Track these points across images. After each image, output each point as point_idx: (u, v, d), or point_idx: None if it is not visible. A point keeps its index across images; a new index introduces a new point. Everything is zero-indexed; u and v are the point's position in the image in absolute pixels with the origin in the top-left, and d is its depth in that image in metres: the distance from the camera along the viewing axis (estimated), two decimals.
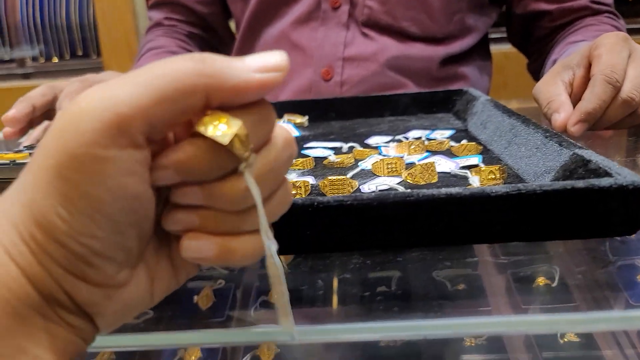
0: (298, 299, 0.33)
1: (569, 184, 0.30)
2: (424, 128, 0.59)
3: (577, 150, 0.36)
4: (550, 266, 0.45)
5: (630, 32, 0.62)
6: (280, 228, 0.27)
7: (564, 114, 0.51)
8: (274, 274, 0.24)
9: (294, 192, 0.39)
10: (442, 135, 0.54)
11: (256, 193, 0.22)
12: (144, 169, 0.21)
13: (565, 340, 0.54)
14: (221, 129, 0.21)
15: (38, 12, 1.63)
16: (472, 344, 0.54)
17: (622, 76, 0.50)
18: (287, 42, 0.80)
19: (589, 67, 0.53)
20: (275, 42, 0.81)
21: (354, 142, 0.54)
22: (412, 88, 0.78)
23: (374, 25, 0.78)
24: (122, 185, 0.20)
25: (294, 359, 0.53)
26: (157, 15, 0.91)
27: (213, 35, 0.94)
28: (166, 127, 0.21)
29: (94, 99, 0.20)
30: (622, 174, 0.31)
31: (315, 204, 0.30)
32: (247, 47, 0.85)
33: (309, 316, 0.40)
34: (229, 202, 0.22)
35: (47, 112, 0.64)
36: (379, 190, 0.39)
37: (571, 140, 0.38)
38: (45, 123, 0.65)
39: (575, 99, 0.53)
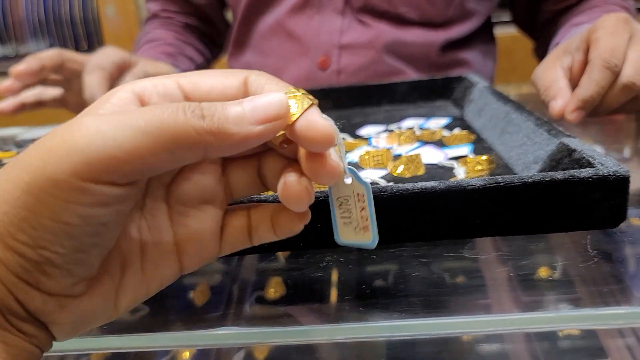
0: (294, 297, 0.33)
1: (548, 175, 0.29)
2: (421, 117, 0.58)
3: (564, 139, 0.35)
4: (552, 259, 0.44)
5: None
6: None
7: (561, 101, 0.50)
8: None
9: None
10: (436, 124, 0.53)
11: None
12: (121, 204, 0.21)
13: (565, 332, 0.52)
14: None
15: (42, 7, 1.64)
16: (470, 337, 0.53)
17: (622, 60, 0.49)
18: (283, 31, 0.79)
19: (588, 51, 0.51)
20: (270, 31, 0.80)
21: (348, 132, 0.53)
22: (411, 75, 0.77)
23: (370, 11, 0.76)
24: (94, 214, 0.20)
25: (287, 355, 0.53)
26: (154, 7, 0.91)
27: (209, 26, 0.94)
28: (155, 174, 0.21)
29: (91, 133, 0.19)
30: (605, 164, 0.30)
31: None
32: (244, 37, 0.84)
33: (305, 315, 0.39)
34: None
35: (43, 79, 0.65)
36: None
37: (560, 129, 0.37)
38: (39, 89, 0.66)
39: (575, 85, 0.51)
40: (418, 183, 0.29)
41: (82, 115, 0.21)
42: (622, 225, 0.30)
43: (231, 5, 0.86)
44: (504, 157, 0.41)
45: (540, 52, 0.83)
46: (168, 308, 0.41)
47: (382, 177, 0.39)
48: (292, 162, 0.23)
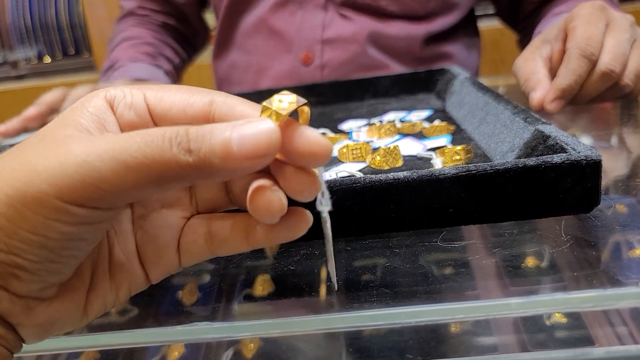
0: (284, 289, 0.33)
1: (520, 162, 0.28)
2: (403, 110, 0.57)
3: (539, 126, 0.35)
4: (540, 246, 0.44)
5: None
6: None
7: (540, 91, 0.50)
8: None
9: None
10: (418, 116, 0.53)
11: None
12: (102, 224, 0.20)
13: (552, 321, 0.53)
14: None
15: (28, 13, 1.63)
16: (458, 329, 0.53)
17: (598, 48, 0.49)
18: (266, 28, 0.79)
19: (566, 39, 0.51)
20: (254, 29, 0.80)
21: (331, 127, 0.53)
22: (394, 69, 0.77)
23: (352, 5, 0.76)
24: (74, 231, 0.20)
25: (275, 352, 0.53)
26: (129, 4, 0.90)
27: (186, 26, 0.93)
28: (139, 200, 0.21)
29: (78, 162, 0.19)
30: (577, 149, 0.29)
31: None
32: (227, 36, 0.84)
33: (296, 307, 0.39)
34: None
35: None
36: (340, 178, 0.38)
37: (536, 116, 0.37)
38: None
39: (555, 74, 0.51)
40: (391, 174, 0.29)
41: (63, 129, 0.21)
42: (599, 210, 0.30)
43: (213, 5, 0.86)
44: (482, 147, 0.41)
45: (524, 43, 0.83)
46: (158, 305, 0.40)
47: (360, 170, 0.39)
48: (262, 174, 0.22)
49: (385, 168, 0.39)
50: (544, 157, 0.29)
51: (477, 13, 0.89)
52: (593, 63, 0.49)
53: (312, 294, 0.37)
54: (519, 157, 0.35)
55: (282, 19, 0.78)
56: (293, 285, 0.33)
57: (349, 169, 0.38)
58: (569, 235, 0.29)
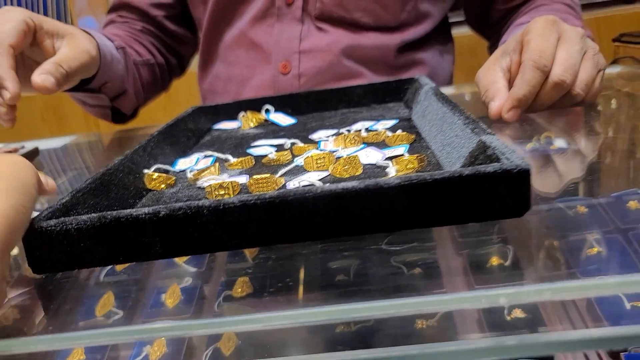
0: (262, 289, 0.36)
1: (457, 171, 0.31)
2: (372, 119, 0.60)
3: (483, 137, 0.38)
4: (504, 246, 0.47)
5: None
6: (186, 229, 0.30)
7: (498, 101, 0.53)
8: None
9: (222, 192, 0.41)
10: (384, 125, 0.56)
11: None
12: None
13: (512, 317, 0.56)
14: None
15: None
16: (424, 326, 0.56)
17: (551, 60, 0.52)
18: (247, 41, 0.82)
19: (522, 52, 0.55)
20: (235, 42, 0.83)
21: (303, 137, 0.56)
22: (368, 77, 0.80)
23: (327, 18, 0.79)
24: None
25: (253, 350, 0.55)
26: (110, 16, 0.92)
27: (169, 37, 0.93)
28: None
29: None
30: (511, 158, 0.32)
31: (222, 205, 0.32)
32: (210, 49, 0.87)
33: (269, 304, 0.42)
34: None
35: None
36: (302, 186, 0.41)
37: (483, 127, 0.40)
38: None
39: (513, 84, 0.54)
40: (341, 183, 0.32)
41: None
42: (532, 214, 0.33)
43: (197, 19, 0.89)
44: (437, 155, 0.44)
45: (493, 50, 0.86)
46: (142, 307, 0.43)
47: (322, 179, 0.42)
48: None
49: (346, 176, 0.42)
50: (479, 166, 0.32)
51: (456, 20, 0.92)
52: (546, 74, 0.52)
53: (289, 293, 0.40)
54: (464, 165, 0.38)
55: (262, 32, 0.81)
56: (270, 286, 0.36)
57: (311, 178, 0.41)
58: (500, 236, 0.32)
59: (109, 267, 0.42)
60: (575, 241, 0.34)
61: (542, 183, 0.41)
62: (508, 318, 0.59)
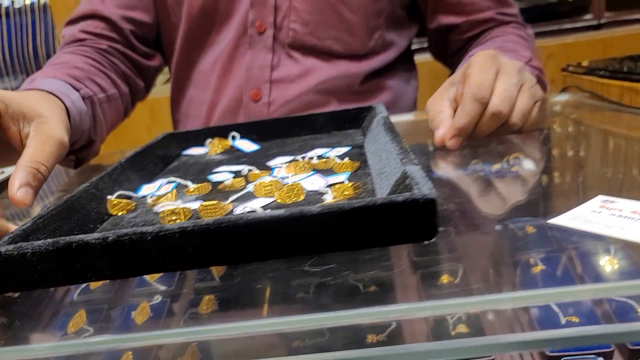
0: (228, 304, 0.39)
1: (371, 200, 0.35)
2: (329, 146, 0.64)
3: (406, 167, 0.42)
4: (455, 265, 0.51)
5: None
6: (132, 253, 0.34)
7: (442, 130, 0.58)
8: None
9: (174, 218, 0.45)
10: (337, 153, 0.60)
11: None
12: None
13: (456, 331, 0.59)
14: None
15: (7, 46, 1.71)
16: (374, 340, 0.60)
17: (489, 92, 0.56)
18: (219, 67, 0.86)
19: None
20: (209, 68, 0.87)
21: (261, 164, 0.60)
22: (335, 106, 0.84)
23: (299, 47, 0.84)
24: None
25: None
26: (70, 29, 0.86)
27: (137, 52, 0.90)
28: None
29: None
30: (422, 189, 0.36)
31: (163, 231, 0.36)
32: (184, 75, 0.91)
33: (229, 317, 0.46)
34: None
35: None
36: (246, 213, 0.44)
37: (411, 157, 0.44)
38: None
39: None
40: (269, 211, 0.36)
41: None
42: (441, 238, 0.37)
43: (165, 43, 0.92)
44: (375, 183, 0.48)
45: None
46: (113, 324, 0.46)
47: (267, 205, 0.46)
48: None
49: (289, 202, 0.45)
50: (391, 196, 0.36)
51: (420, 47, 0.96)
52: (484, 105, 0.56)
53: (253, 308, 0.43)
54: (390, 193, 0.42)
55: (235, 60, 0.86)
56: (235, 303, 0.39)
57: (256, 204, 0.45)
58: (409, 259, 0.36)
59: (84, 284, 0.45)
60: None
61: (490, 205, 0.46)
62: (452, 333, 0.63)
